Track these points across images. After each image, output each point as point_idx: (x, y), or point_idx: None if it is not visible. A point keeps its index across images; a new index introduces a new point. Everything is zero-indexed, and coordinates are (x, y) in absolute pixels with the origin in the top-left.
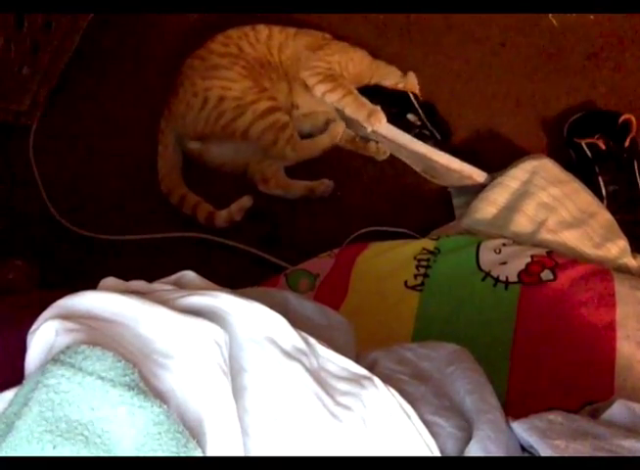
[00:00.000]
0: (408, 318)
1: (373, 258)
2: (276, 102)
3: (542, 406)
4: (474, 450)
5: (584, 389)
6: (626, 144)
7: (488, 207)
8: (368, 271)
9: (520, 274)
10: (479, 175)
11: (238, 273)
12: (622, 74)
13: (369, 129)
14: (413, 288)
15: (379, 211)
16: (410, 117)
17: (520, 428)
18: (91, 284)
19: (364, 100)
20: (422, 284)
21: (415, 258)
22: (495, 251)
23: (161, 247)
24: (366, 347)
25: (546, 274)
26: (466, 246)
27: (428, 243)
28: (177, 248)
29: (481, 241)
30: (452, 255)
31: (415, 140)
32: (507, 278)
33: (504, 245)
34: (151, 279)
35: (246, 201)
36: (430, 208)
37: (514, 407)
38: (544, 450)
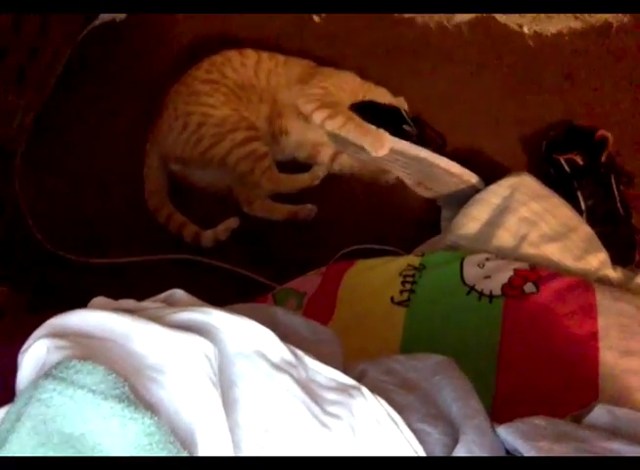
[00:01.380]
0: (395, 334)
1: (359, 276)
2: (256, 131)
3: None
4: (459, 454)
5: (569, 399)
6: (603, 159)
7: (471, 222)
8: (355, 288)
9: (503, 288)
10: (476, 180)
11: (226, 294)
12: (598, 92)
13: (373, 154)
14: (399, 304)
15: (365, 229)
16: (406, 127)
17: (504, 432)
18: (80, 306)
19: (366, 125)
20: (408, 300)
21: (400, 274)
22: (479, 265)
23: (149, 269)
24: (354, 360)
25: (529, 287)
26: (450, 261)
27: (413, 259)
28: (165, 270)
29: (465, 256)
30: (437, 270)
31: (416, 147)
32: (491, 292)
33: (487, 259)
34: (140, 300)
35: (232, 222)
36: (415, 225)
37: (501, 418)
38: (528, 452)
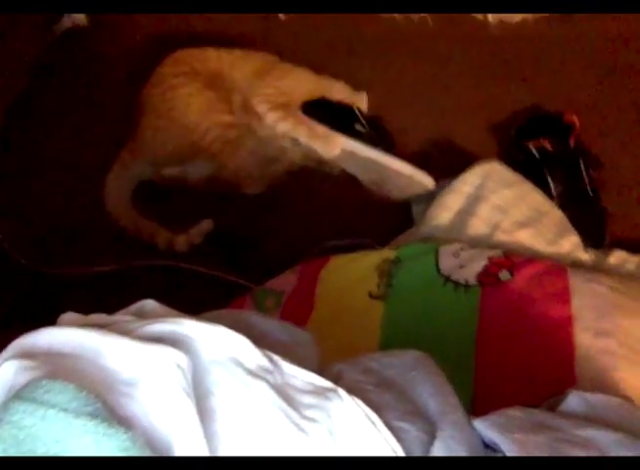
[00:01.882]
0: (374, 328)
1: (336, 272)
2: (232, 117)
3: (508, 404)
4: (437, 450)
5: (547, 383)
6: (571, 143)
7: (444, 212)
8: (332, 285)
9: (478, 276)
10: (428, 181)
11: (204, 297)
12: (563, 78)
13: (325, 156)
14: (377, 298)
15: (340, 224)
16: (358, 127)
17: (481, 425)
18: (52, 320)
19: (317, 127)
20: (385, 294)
21: (377, 268)
22: (454, 255)
23: (124, 277)
24: (333, 359)
25: (504, 274)
26: (425, 253)
27: (388, 252)
28: (140, 277)
29: (440, 246)
30: (413, 262)
31: (367, 147)
32: (466, 281)
33: (462, 249)
34: (116, 310)
35: (206, 224)
36: (389, 216)
37: (481, 406)
38: (504, 444)
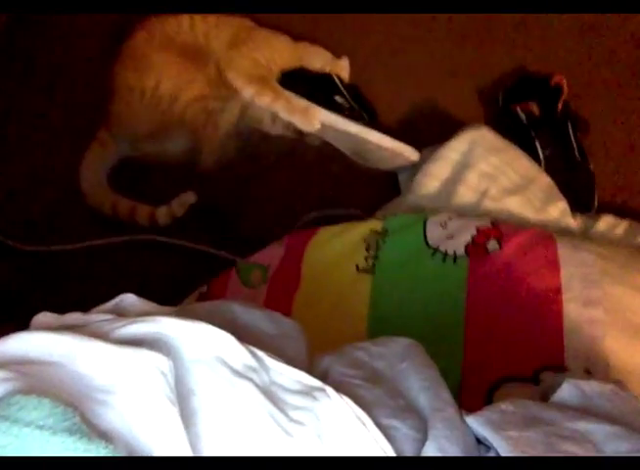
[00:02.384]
0: (362, 302)
1: (322, 245)
2: (209, 88)
3: (497, 375)
4: (430, 450)
5: (536, 354)
6: (559, 107)
7: (431, 181)
8: (319, 258)
9: (467, 247)
10: (411, 153)
11: (189, 272)
12: (551, 39)
13: (305, 130)
14: (365, 271)
15: (325, 195)
16: (338, 98)
17: (474, 422)
18: (33, 307)
19: (295, 100)
20: (373, 266)
21: (364, 240)
22: (442, 225)
23: (108, 254)
24: (321, 335)
25: (492, 245)
26: (413, 223)
27: (375, 224)
28: (125, 253)
29: (428, 217)
30: (400, 234)
31: (346, 121)
32: (455, 252)
33: (450, 219)
34: (102, 286)
35: (187, 196)
36: (375, 185)
37: (470, 378)
38: (498, 443)
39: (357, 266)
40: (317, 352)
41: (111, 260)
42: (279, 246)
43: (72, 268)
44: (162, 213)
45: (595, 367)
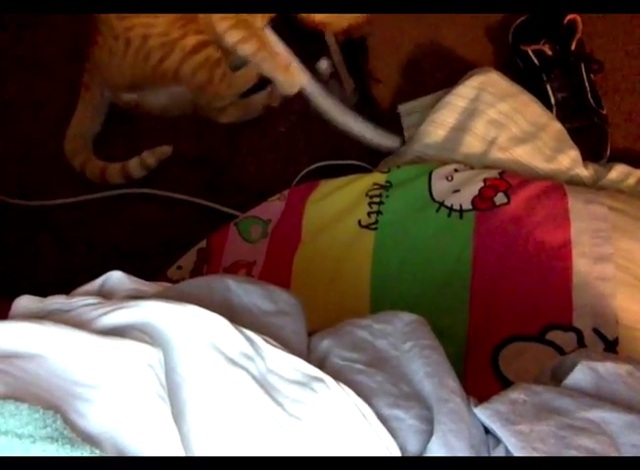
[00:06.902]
0: (365, 259)
1: (324, 199)
2: (204, 35)
3: (504, 333)
4: (436, 447)
5: (544, 311)
6: (572, 47)
7: (437, 129)
8: (320, 213)
9: (473, 200)
10: (392, 143)
11: (185, 225)
12: None
13: (283, 92)
14: (367, 227)
15: (326, 145)
16: (322, 64)
17: (483, 415)
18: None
19: (281, 57)
20: (376, 222)
21: (367, 194)
22: (447, 178)
23: (102, 207)
24: (323, 300)
25: (500, 198)
26: (417, 176)
27: (378, 176)
28: (120, 206)
29: (433, 169)
30: (404, 187)
31: (325, 97)
32: (461, 206)
33: (456, 171)
34: (98, 242)
35: (162, 149)
36: None
37: (476, 336)
38: (507, 438)
39: (359, 222)
40: (318, 314)
41: (103, 215)
42: (280, 200)
43: (69, 222)
44: (134, 165)
45: (604, 326)
